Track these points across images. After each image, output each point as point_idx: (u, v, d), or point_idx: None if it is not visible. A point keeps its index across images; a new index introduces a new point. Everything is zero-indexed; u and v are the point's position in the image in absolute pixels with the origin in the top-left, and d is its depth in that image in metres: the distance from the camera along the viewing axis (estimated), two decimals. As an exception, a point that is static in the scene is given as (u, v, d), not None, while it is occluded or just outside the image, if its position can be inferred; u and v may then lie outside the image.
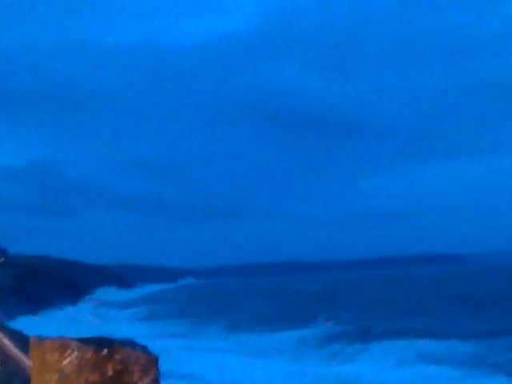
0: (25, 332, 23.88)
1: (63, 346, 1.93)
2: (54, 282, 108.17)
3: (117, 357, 1.92)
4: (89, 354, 1.91)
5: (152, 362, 1.96)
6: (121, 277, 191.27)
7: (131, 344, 1.96)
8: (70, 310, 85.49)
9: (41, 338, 2.01)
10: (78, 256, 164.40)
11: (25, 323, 52.78)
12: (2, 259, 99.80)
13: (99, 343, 1.93)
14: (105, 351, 1.92)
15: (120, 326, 54.54)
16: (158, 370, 1.97)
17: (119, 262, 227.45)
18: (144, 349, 1.97)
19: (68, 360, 1.91)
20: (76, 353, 1.91)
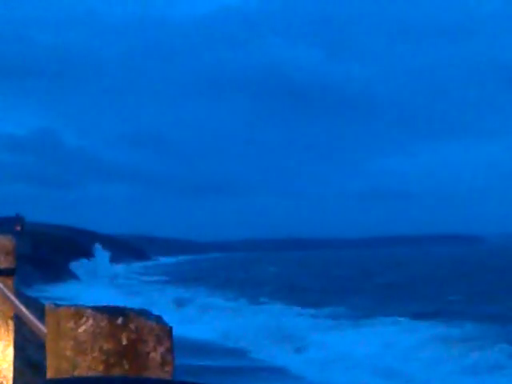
0: (41, 300, 24.15)
1: (78, 313, 1.93)
2: (71, 250, 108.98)
3: (131, 326, 1.92)
4: (103, 322, 1.92)
5: (166, 332, 1.96)
6: (138, 248, 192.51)
7: (146, 314, 1.96)
8: (86, 279, 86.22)
9: (56, 306, 2.02)
10: (86, 226, 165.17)
11: (41, 291, 53.36)
12: (20, 227, 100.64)
13: (114, 312, 1.94)
14: (119, 320, 1.92)
15: (137, 296, 54.88)
16: (171, 339, 1.97)
17: (126, 233, 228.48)
18: (158, 319, 1.97)
19: (83, 328, 1.92)
20: (91, 321, 1.92)
